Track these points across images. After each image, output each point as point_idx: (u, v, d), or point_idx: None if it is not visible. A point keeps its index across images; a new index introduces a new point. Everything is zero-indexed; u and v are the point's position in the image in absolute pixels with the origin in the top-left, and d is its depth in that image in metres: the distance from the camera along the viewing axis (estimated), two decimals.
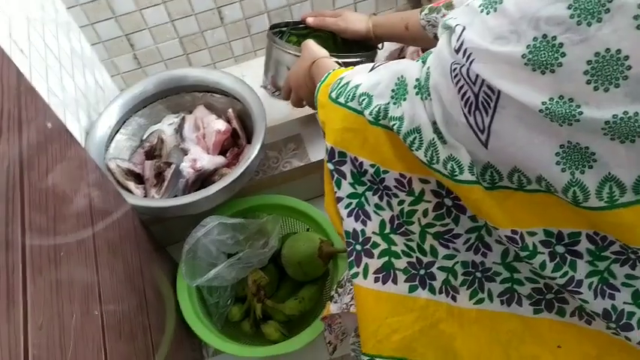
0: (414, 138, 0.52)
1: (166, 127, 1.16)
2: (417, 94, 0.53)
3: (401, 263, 0.60)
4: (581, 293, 0.50)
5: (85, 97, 1.14)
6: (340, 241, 0.99)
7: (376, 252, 0.61)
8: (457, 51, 0.46)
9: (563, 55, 0.39)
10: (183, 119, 1.15)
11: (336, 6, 1.43)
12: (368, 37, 1.04)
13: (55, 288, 0.58)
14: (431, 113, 0.51)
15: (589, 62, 0.38)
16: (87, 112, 1.12)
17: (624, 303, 0.49)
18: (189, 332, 1.03)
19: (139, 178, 1.10)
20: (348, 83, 0.62)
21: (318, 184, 0.71)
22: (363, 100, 0.58)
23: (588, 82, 0.38)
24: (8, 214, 0.53)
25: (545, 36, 0.40)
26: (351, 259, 0.62)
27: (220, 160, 1.09)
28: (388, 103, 0.56)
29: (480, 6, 0.45)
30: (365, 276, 0.60)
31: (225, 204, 1.08)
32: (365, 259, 0.61)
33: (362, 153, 0.60)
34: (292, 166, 1.15)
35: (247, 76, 1.43)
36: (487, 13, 0.44)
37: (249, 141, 1.11)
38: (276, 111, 1.27)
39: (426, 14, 0.91)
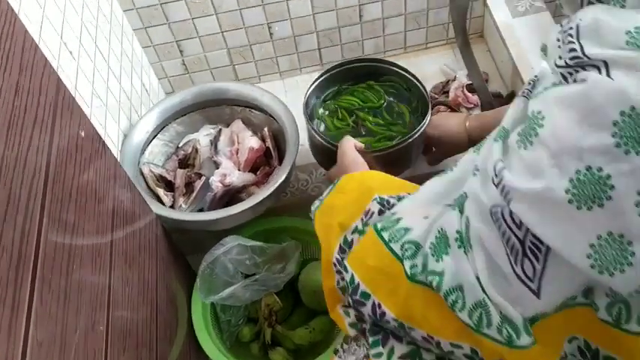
0: (456, 297, 0.47)
1: (202, 137, 1.17)
2: (459, 247, 0.48)
3: (428, 355, 0.57)
4: None
5: (128, 99, 1.16)
6: None
7: (405, 338, 0.57)
8: (497, 185, 0.43)
9: (612, 187, 0.36)
10: (219, 132, 1.16)
11: (386, 32, 1.41)
12: (462, 142, 0.92)
13: (64, 298, 0.58)
14: (475, 267, 0.47)
15: None
16: (128, 114, 1.14)
17: None
18: (198, 348, 1.03)
19: (169, 186, 1.11)
20: (399, 220, 0.56)
21: None
22: (409, 248, 0.53)
23: None
24: (27, 213, 0.54)
25: (589, 167, 0.36)
26: (377, 337, 0.58)
27: (250, 177, 1.09)
28: (427, 256, 0.51)
29: (517, 142, 0.42)
30: (389, 359, 0.57)
31: (249, 222, 1.08)
32: (392, 341, 0.58)
33: (388, 303, 0.54)
34: (321, 191, 1.13)
35: (290, 91, 1.43)
36: (524, 148, 0.41)
37: (281, 162, 1.11)
38: None
39: None
